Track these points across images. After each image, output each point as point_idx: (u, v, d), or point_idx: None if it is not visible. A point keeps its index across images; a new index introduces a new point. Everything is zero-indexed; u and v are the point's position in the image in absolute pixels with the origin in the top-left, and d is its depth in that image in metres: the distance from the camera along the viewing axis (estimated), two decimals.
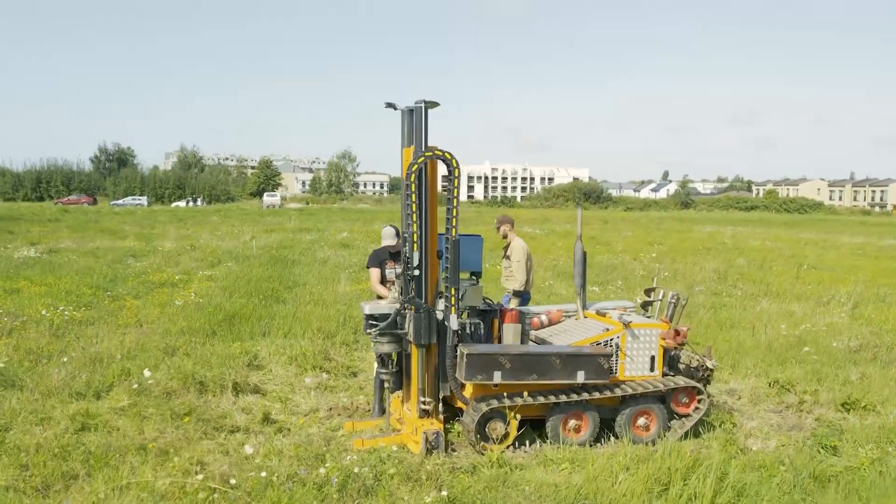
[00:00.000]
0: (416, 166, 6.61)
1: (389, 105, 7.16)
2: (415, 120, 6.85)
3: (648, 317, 8.07)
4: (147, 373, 8.35)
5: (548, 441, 6.96)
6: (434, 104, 6.85)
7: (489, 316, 7.88)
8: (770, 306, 14.79)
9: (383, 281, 8.08)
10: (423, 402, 6.92)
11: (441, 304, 6.90)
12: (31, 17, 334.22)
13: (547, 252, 25.45)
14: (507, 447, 6.86)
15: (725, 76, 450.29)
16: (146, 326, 11.69)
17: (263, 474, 5.68)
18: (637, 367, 7.34)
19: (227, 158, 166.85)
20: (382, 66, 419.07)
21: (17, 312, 12.09)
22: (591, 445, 6.97)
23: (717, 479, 5.84)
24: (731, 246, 30.62)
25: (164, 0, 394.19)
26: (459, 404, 7.09)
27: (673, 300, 7.97)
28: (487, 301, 7.99)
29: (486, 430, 6.81)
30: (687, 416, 7.42)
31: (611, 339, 7.24)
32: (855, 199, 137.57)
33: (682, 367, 7.69)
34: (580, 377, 6.86)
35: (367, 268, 8.25)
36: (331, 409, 8.09)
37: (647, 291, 8.48)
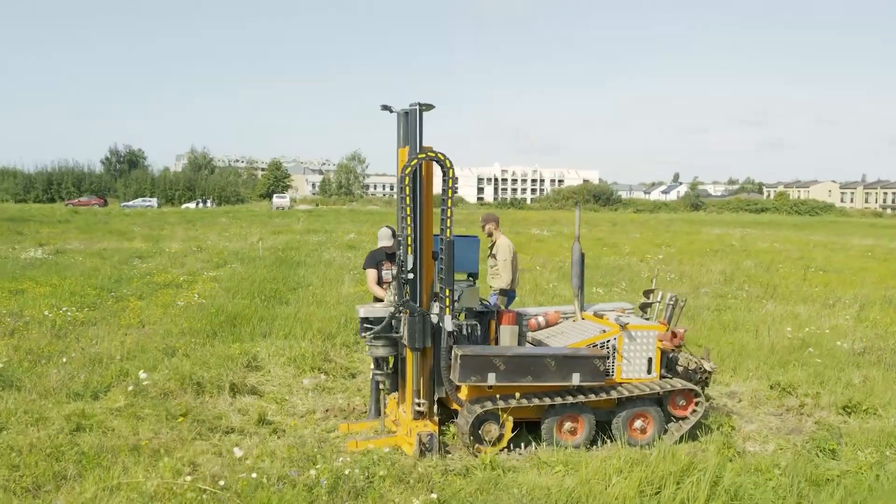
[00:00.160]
0: (409, 168, 6.59)
1: (385, 108, 7.17)
2: (409, 122, 6.85)
3: (647, 318, 8.02)
4: (143, 374, 8.34)
5: (543, 443, 6.92)
6: (429, 107, 6.85)
7: (486, 317, 7.85)
8: (775, 308, 14.69)
9: (380, 282, 8.07)
10: (418, 404, 6.90)
11: (436, 308, 6.88)
12: (31, 17, 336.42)
13: (553, 254, 25.39)
14: (502, 449, 6.82)
15: (738, 77, 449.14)
16: (148, 327, 11.70)
17: (254, 475, 5.66)
18: (634, 369, 7.29)
19: (237, 160, 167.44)
20: (382, 66, 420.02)
21: (20, 313, 12.13)
22: (586, 448, 6.93)
23: (711, 483, 5.78)
24: (738, 248, 30.47)
25: (164, 0, 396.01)
26: (455, 406, 7.06)
27: (671, 302, 7.91)
28: (484, 302, 7.96)
29: (481, 432, 6.78)
30: (684, 418, 7.36)
31: (607, 341, 7.19)
32: (866, 202, 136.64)
33: (680, 369, 7.64)
34: (575, 379, 6.81)
35: (364, 269, 8.24)
36: (327, 410, 8.07)
37: (646, 293, 8.43)
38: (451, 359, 6.77)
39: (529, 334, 7.92)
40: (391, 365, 7.40)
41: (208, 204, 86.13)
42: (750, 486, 5.87)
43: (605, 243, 31.49)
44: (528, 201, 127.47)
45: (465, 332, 7.51)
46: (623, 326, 7.22)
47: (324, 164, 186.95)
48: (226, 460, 6.24)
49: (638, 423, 7.21)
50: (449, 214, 6.74)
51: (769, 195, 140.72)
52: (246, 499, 5.43)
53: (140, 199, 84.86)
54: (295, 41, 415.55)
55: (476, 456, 6.59)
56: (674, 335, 7.31)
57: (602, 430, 7.15)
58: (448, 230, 6.73)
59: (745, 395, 8.99)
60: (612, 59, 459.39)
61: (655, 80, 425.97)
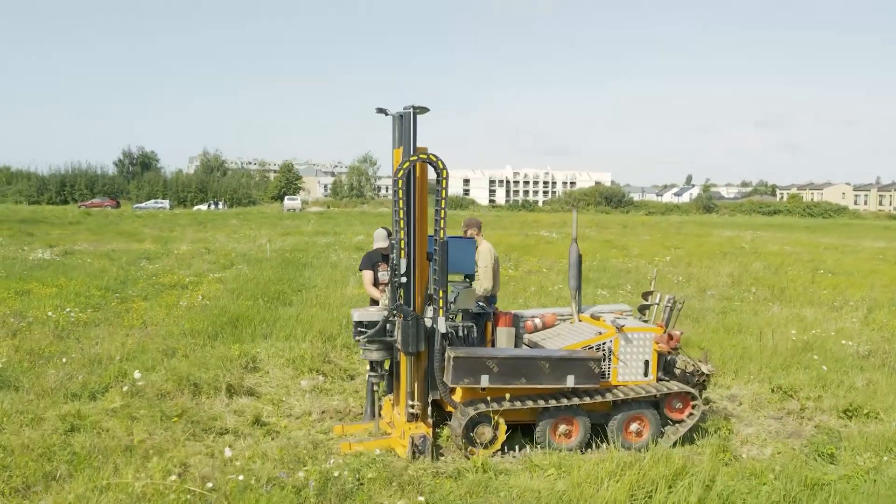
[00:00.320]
0: (401, 172, 6.58)
1: (380, 110, 7.15)
2: (403, 125, 6.83)
3: (645, 321, 7.96)
4: (137, 374, 8.35)
5: (538, 446, 6.88)
6: (423, 109, 6.83)
7: (482, 319, 7.81)
8: (781, 311, 14.57)
9: (376, 283, 8.05)
10: (412, 406, 6.87)
11: (430, 312, 6.84)
12: (31, 17, 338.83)
13: (562, 256, 25.22)
14: (496, 452, 6.78)
15: (753, 79, 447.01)
16: (150, 328, 11.73)
17: (241, 477, 5.64)
18: (630, 371, 7.23)
19: (249, 162, 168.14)
20: (382, 66, 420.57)
21: (24, 314, 12.19)
22: (581, 451, 6.88)
23: (704, 488, 5.73)
24: (748, 250, 30.27)
25: (164, 0, 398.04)
26: (449, 408, 7.03)
27: (669, 304, 7.85)
28: (480, 304, 7.92)
29: (474, 434, 6.74)
30: (681, 421, 7.29)
31: (603, 343, 7.14)
32: (880, 204, 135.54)
33: (677, 371, 7.58)
34: (570, 381, 6.76)
35: (360, 270, 8.22)
36: (323, 412, 8.05)
37: (645, 295, 8.38)
38: (444, 360, 6.74)
39: (526, 336, 7.88)
40: (386, 367, 7.37)
41: (220, 206, 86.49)
42: (744, 491, 5.80)
43: (614, 245, 31.37)
44: (540, 203, 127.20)
45: (461, 333, 7.48)
46: (619, 328, 7.17)
47: (336, 166, 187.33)
48: (217, 462, 6.22)
49: (634, 426, 7.15)
50: (443, 216, 6.72)
51: (782, 197, 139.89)
52: (234, 500, 5.41)
53: (152, 201, 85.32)
54: (295, 41, 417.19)
55: (469, 458, 6.55)
56: (670, 337, 7.24)
57: (599, 433, 7.09)
58: (442, 231, 6.70)
59: (745, 399, 8.91)
60: (617, 59, 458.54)
61: (668, 81, 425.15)
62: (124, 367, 9.03)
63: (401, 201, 6.62)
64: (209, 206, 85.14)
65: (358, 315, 7.16)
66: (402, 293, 6.77)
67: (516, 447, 6.88)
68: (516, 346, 7.74)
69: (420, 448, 6.54)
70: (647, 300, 8.28)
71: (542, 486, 5.92)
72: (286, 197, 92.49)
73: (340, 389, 8.95)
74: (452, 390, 6.89)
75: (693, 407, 7.30)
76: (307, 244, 29.44)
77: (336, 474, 5.76)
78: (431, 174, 6.86)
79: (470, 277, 7.94)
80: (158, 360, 9.51)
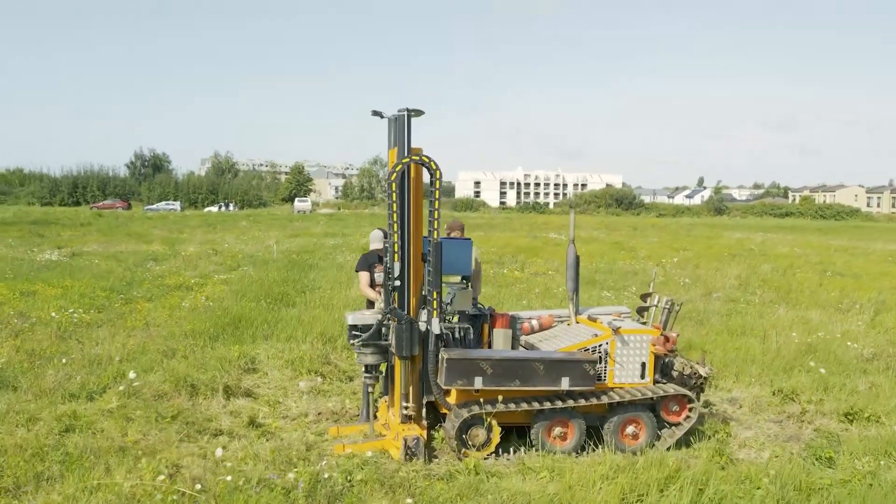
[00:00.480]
0: (394, 175, 6.57)
1: (376, 113, 7.14)
2: (398, 127, 6.81)
3: (643, 323, 7.91)
4: (132, 374, 8.36)
5: (533, 449, 6.83)
6: (418, 112, 6.81)
7: (479, 321, 7.77)
8: (787, 313, 14.46)
9: (373, 285, 8.02)
10: (406, 408, 6.84)
11: (424, 315, 6.81)
12: (31, 17, 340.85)
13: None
14: (491, 455, 6.74)
15: (766, 80, 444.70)
16: (153, 329, 11.75)
17: (229, 478, 5.62)
18: (627, 373, 7.17)
19: (261, 165, 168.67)
20: (382, 66, 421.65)
21: (28, 314, 12.24)
22: (577, 454, 6.83)
23: (696, 491, 5.67)
24: (757, 252, 30.09)
25: (164, 0, 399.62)
26: (445, 410, 7.00)
27: (667, 306, 7.80)
28: (479, 306, 7.89)
29: (468, 436, 6.71)
30: (677, 424, 7.23)
31: (599, 345, 7.09)
32: (893, 206, 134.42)
33: (675, 374, 7.52)
34: (564, 383, 6.71)
35: (356, 272, 8.19)
36: (320, 413, 8.04)
37: (644, 297, 8.33)
38: (437, 362, 6.71)
39: (523, 338, 7.84)
40: (382, 369, 7.35)
41: (231, 207, 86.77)
42: (737, 494, 5.74)
43: (623, 247, 31.25)
44: (551, 206, 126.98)
45: (457, 335, 7.44)
46: (615, 330, 7.11)
47: (347, 168, 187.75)
48: (209, 463, 6.21)
49: (630, 429, 7.10)
50: (436, 216, 6.70)
51: (794, 199, 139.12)
52: (223, 501, 5.40)
53: (163, 203, 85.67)
54: (295, 41, 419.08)
55: (462, 460, 6.52)
56: (666, 339, 7.20)
57: (596, 436, 7.04)
58: (435, 232, 6.68)
59: (746, 401, 8.83)
60: (624, 59, 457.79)
61: (677, 82, 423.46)
62: (123, 367, 9.03)
63: (394, 204, 6.60)
64: (220, 207, 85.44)
65: (352, 319, 7.14)
66: (395, 297, 6.74)
67: (511, 450, 6.85)
68: (513, 347, 7.70)
69: (413, 450, 6.51)
70: (645, 302, 8.24)
71: (533, 488, 5.88)
72: (296, 199, 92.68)
73: (338, 391, 8.93)
74: (447, 392, 6.86)
75: (690, 410, 7.24)
76: (315, 246, 29.48)
77: (326, 476, 5.74)
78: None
79: (467, 279, 7.90)
80: (158, 361, 9.52)
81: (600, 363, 7.04)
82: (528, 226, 53.38)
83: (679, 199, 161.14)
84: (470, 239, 8.03)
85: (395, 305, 6.75)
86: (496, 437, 6.75)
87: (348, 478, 5.86)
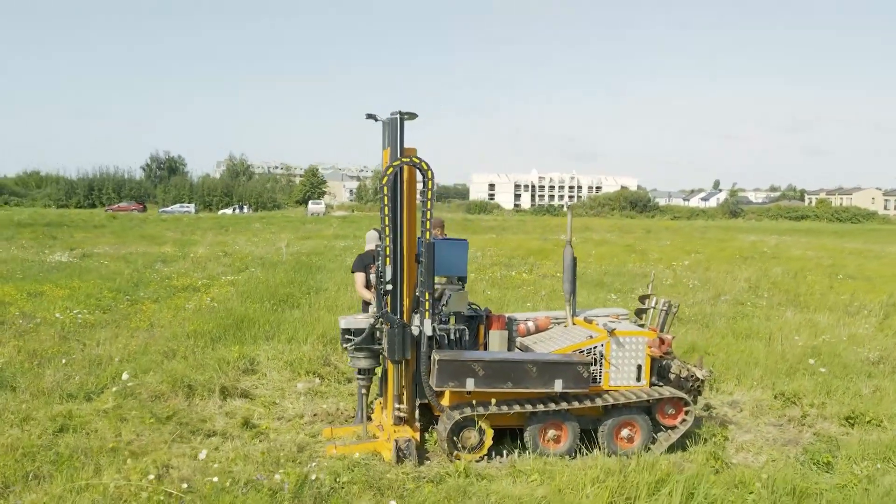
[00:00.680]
0: (385, 178, 6.56)
1: (370, 116, 7.11)
2: (391, 130, 6.80)
3: (641, 324, 7.84)
4: (125, 375, 8.37)
5: (527, 451, 6.78)
6: (412, 115, 6.80)
7: (475, 322, 7.73)
8: (794, 316, 14.31)
9: (369, 285, 8.00)
10: (398, 409, 6.81)
11: (417, 320, 6.78)
12: (31, 17, 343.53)
13: (578, 261, 25.06)
14: (483, 457, 6.69)
15: (784, 82, 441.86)
16: (156, 330, 11.78)
17: (216, 479, 5.61)
18: (622, 376, 7.10)
19: (275, 167, 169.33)
20: (382, 66, 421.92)
21: (34, 315, 12.31)
22: (571, 457, 6.77)
23: (687, 495, 5.60)
24: (770, 255, 29.84)
25: (164, 0, 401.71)
26: (438, 412, 6.96)
27: (664, 308, 7.72)
28: (473, 307, 7.84)
29: (460, 438, 6.66)
30: (673, 427, 7.15)
31: (594, 347, 7.02)
32: None
33: (672, 377, 7.44)
34: (558, 386, 6.66)
35: (352, 272, 8.18)
36: (315, 414, 8.02)
37: (642, 298, 8.26)
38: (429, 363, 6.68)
39: (519, 339, 7.79)
40: (377, 372, 7.32)
41: (245, 210, 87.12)
42: (729, 499, 5.66)
43: (634, 250, 31.09)
44: (564, 208, 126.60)
45: (452, 336, 7.39)
46: (611, 332, 7.05)
47: (361, 170, 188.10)
48: (199, 463, 6.20)
49: (625, 432, 7.02)
50: (429, 217, 6.67)
51: (811, 202, 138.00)
52: (209, 502, 5.39)
53: (178, 205, 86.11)
54: (295, 41, 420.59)
55: (454, 463, 6.47)
56: (661, 342, 7.12)
57: (592, 439, 6.98)
58: (427, 233, 6.65)
59: (746, 405, 8.74)
60: (631, 60, 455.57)
61: (692, 83, 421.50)
62: (122, 368, 9.06)
63: (386, 208, 6.58)
64: (234, 210, 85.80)
65: (345, 322, 7.12)
66: (388, 300, 6.72)
67: (504, 452, 6.79)
68: (509, 349, 7.65)
69: (405, 452, 6.48)
70: (644, 304, 8.16)
71: (522, 491, 5.83)
72: (310, 201, 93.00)
73: (336, 392, 8.91)
74: (440, 394, 6.82)
75: (686, 413, 7.16)
76: (325, 247, 29.52)
77: (314, 477, 5.72)
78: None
79: (462, 280, 7.87)
80: (157, 361, 9.53)
81: (595, 365, 6.97)
82: (541, 228, 53.28)
83: (694, 202, 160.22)
84: (465, 240, 7.99)
85: (388, 309, 6.72)
86: (488, 439, 6.70)
87: (336, 479, 5.84)
